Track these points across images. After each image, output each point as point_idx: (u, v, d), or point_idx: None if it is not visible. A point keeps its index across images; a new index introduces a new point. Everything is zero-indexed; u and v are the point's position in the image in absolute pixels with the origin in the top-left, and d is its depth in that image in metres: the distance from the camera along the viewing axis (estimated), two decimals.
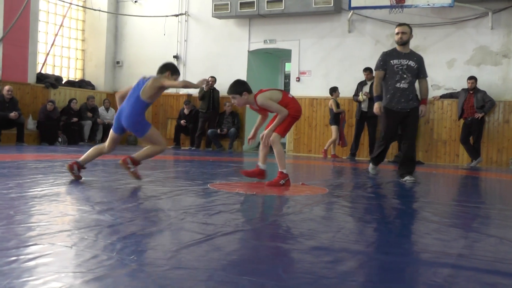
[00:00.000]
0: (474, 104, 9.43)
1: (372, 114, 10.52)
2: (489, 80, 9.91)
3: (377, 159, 6.19)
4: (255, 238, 2.71)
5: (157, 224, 2.89)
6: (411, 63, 5.81)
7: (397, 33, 5.83)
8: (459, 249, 2.59)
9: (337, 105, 10.60)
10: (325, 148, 10.70)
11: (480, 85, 9.66)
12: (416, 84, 6.01)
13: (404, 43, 5.82)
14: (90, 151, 4.88)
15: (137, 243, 2.41)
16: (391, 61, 5.81)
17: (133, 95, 4.71)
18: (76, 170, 4.77)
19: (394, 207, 4.02)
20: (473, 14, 10.10)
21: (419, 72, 5.88)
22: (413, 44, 10.53)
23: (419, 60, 5.90)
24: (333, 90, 10.59)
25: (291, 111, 4.83)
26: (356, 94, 10.53)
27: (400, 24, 5.93)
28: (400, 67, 5.78)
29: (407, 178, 5.76)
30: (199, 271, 2.00)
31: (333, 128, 10.54)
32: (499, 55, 9.92)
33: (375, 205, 4.15)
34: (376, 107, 5.88)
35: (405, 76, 5.78)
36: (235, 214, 3.38)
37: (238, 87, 4.87)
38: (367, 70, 10.43)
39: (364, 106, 10.37)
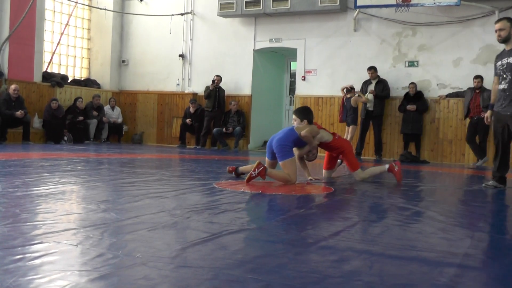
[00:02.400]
0: (480, 103, 9.38)
1: (377, 114, 10.56)
2: None
3: (501, 169, 5.34)
4: (260, 237, 2.71)
5: (162, 222, 2.89)
6: (511, 59, 5.14)
7: (495, 31, 5.27)
8: (465, 249, 2.58)
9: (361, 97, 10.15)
10: None
11: (487, 84, 9.59)
12: None
13: (504, 40, 5.21)
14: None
15: (143, 242, 2.41)
16: (497, 63, 5.29)
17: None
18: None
19: (400, 206, 4.01)
20: (480, 13, 10.05)
21: None
22: (419, 43, 10.64)
23: None
24: (351, 89, 10.11)
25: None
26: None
27: (497, 20, 5.35)
28: (502, 68, 5.23)
29: (490, 182, 5.36)
30: (205, 269, 2.00)
31: (351, 128, 9.97)
32: None
33: (381, 204, 4.14)
34: (485, 115, 5.51)
35: (504, 76, 5.19)
36: (240, 213, 3.38)
37: (302, 113, 5.41)
38: (371, 69, 10.38)
39: (370, 106, 10.33)
